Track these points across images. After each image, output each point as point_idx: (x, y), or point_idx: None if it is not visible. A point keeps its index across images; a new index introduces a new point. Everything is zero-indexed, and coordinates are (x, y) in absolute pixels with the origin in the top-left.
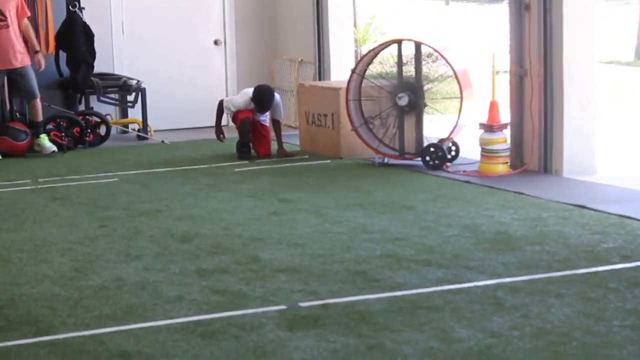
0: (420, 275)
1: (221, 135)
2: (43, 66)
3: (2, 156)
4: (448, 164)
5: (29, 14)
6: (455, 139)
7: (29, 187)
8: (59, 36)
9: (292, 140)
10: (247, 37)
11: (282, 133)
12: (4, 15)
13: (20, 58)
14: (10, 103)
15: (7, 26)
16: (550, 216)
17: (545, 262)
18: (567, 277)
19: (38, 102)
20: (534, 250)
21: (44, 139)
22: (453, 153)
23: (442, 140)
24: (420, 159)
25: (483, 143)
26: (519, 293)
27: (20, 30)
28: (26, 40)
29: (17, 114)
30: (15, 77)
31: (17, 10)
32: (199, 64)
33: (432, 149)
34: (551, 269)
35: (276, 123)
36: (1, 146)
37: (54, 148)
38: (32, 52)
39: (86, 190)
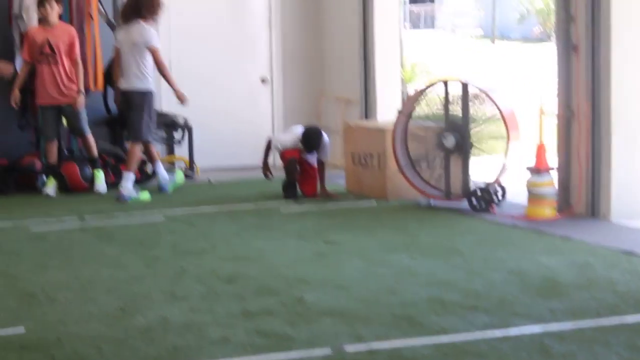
0: (466, 320)
1: (269, 174)
2: (82, 107)
3: (59, 187)
4: (494, 206)
5: (79, 54)
6: (502, 181)
7: (76, 225)
8: (107, 73)
9: (337, 180)
10: (294, 76)
11: (328, 173)
12: (54, 51)
13: (68, 95)
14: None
15: (57, 62)
16: (597, 262)
17: (593, 309)
18: (615, 324)
19: (89, 138)
20: (582, 296)
21: (99, 177)
22: (499, 195)
23: (488, 183)
24: (466, 201)
25: (530, 186)
26: (565, 340)
27: (71, 68)
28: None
29: (65, 150)
30: (64, 114)
31: (68, 48)
32: (246, 101)
33: (478, 191)
34: (599, 316)
35: (320, 163)
36: (67, 172)
37: (103, 189)
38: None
39: (132, 228)
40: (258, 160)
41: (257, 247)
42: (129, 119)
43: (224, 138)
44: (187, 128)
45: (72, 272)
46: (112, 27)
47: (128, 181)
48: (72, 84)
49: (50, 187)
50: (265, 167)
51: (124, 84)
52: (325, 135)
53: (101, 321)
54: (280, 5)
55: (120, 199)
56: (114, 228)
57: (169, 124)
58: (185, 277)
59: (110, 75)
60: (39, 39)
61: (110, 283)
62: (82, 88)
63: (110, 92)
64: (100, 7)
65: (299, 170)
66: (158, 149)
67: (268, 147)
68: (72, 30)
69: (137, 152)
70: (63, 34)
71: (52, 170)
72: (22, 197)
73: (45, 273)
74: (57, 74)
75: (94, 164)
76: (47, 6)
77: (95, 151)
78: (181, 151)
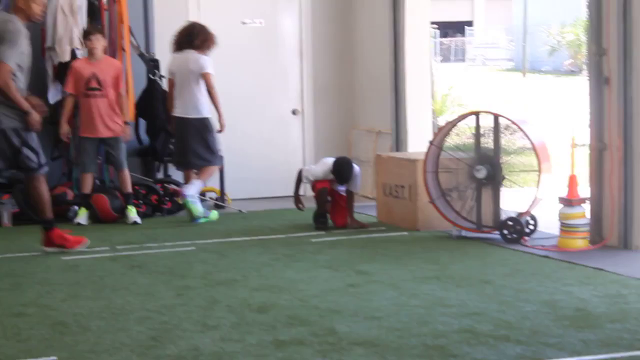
0: (499, 351)
1: (300, 205)
2: (129, 139)
3: (89, 217)
4: (526, 237)
5: (124, 88)
6: (534, 213)
7: (107, 255)
8: (138, 104)
9: (368, 211)
10: (325, 107)
11: (360, 204)
12: (101, 84)
13: (112, 128)
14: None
15: (103, 96)
16: (630, 293)
17: (626, 340)
18: None
19: (126, 172)
20: (615, 328)
21: (132, 211)
22: (531, 227)
23: (520, 214)
24: (498, 232)
25: (562, 217)
26: None
27: (115, 101)
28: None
29: (97, 180)
30: (106, 147)
31: (114, 81)
32: (277, 132)
33: (510, 223)
34: (632, 348)
35: (349, 193)
36: (97, 203)
37: (138, 220)
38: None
39: (163, 258)
40: (289, 190)
41: (288, 277)
42: (187, 146)
43: (255, 168)
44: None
45: (104, 301)
46: (144, 59)
47: (192, 188)
48: (116, 117)
49: (82, 216)
50: (297, 199)
51: (180, 112)
52: (356, 167)
53: (133, 351)
54: (312, 37)
55: (193, 220)
56: (145, 257)
57: None
58: (216, 306)
59: (142, 106)
60: (86, 72)
61: (141, 312)
62: (128, 119)
63: (142, 123)
64: (133, 39)
65: (330, 201)
66: None
67: (299, 179)
68: (118, 64)
69: (210, 172)
70: (109, 67)
71: (84, 201)
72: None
73: (77, 302)
74: (102, 107)
75: (127, 198)
76: (94, 39)
77: (130, 186)
78: (212, 181)
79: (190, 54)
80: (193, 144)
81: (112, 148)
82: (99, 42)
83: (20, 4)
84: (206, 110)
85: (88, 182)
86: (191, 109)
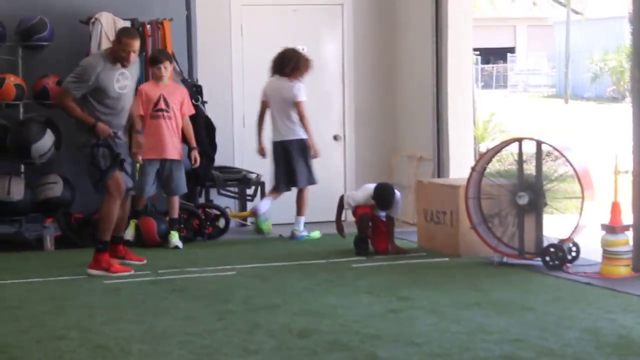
0: None
1: (342, 232)
2: (198, 163)
3: (134, 239)
4: (568, 264)
5: (193, 111)
6: (576, 240)
7: (148, 279)
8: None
9: (409, 236)
10: (367, 133)
11: (400, 229)
12: (168, 107)
13: (179, 150)
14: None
15: (170, 118)
16: None
17: None
18: None
19: (177, 199)
20: None
21: (174, 235)
22: (574, 254)
23: (562, 241)
24: (540, 259)
25: (605, 244)
26: None
27: (181, 126)
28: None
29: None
30: (165, 171)
31: (180, 105)
32: (318, 158)
33: (552, 249)
34: None
35: (390, 219)
36: (144, 226)
37: (179, 244)
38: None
39: (205, 282)
40: (330, 215)
41: (329, 302)
42: (291, 167)
43: (295, 194)
44: (259, 184)
45: (145, 325)
46: (187, 84)
47: (300, 224)
48: (179, 140)
49: (130, 232)
50: (339, 225)
51: (278, 136)
52: (397, 193)
53: None
54: (354, 63)
55: (293, 237)
56: (186, 281)
57: (241, 180)
58: (257, 331)
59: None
60: (153, 95)
61: (182, 336)
62: (194, 144)
63: (184, 148)
64: (176, 65)
65: (371, 226)
66: (229, 205)
67: (341, 205)
68: (184, 89)
69: (306, 196)
70: (175, 90)
71: (136, 216)
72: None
73: (118, 325)
74: (169, 129)
75: (172, 223)
76: (162, 67)
77: (177, 212)
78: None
79: (284, 82)
80: (297, 164)
81: (172, 172)
82: (167, 70)
83: (113, 45)
84: (302, 132)
85: (142, 201)
86: (290, 132)
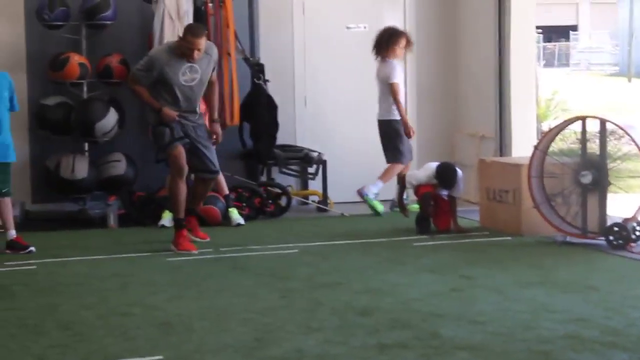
0: (605, 358)
1: (405, 211)
2: (220, 138)
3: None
4: (632, 244)
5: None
6: None
7: (210, 256)
8: (243, 107)
9: (471, 215)
10: (428, 111)
11: (462, 208)
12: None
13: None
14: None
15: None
16: None
17: None
18: None
19: (221, 176)
20: None
21: (234, 212)
22: (638, 233)
23: (626, 220)
24: (603, 238)
25: None
26: None
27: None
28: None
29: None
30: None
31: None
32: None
33: (616, 229)
34: None
35: (452, 198)
36: (208, 216)
37: (241, 221)
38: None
39: (266, 260)
40: (391, 194)
41: (390, 280)
42: (383, 145)
43: (357, 172)
44: (321, 162)
45: (207, 302)
46: (249, 63)
47: (375, 186)
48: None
49: (166, 219)
50: (402, 206)
51: (378, 114)
52: (459, 172)
53: (237, 351)
54: (416, 41)
55: (361, 192)
56: (248, 259)
57: (303, 159)
58: (319, 309)
59: (246, 110)
60: None
61: (244, 314)
62: (216, 116)
63: (246, 127)
64: (238, 44)
65: (433, 205)
66: (291, 183)
67: (402, 185)
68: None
69: (395, 169)
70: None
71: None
72: (158, 228)
73: (181, 303)
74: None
75: (227, 200)
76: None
77: (226, 187)
78: (315, 185)
79: (381, 63)
80: (383, 143)
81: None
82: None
83: (179, 39)
84: (393, 113)
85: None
86: (383, 112)
